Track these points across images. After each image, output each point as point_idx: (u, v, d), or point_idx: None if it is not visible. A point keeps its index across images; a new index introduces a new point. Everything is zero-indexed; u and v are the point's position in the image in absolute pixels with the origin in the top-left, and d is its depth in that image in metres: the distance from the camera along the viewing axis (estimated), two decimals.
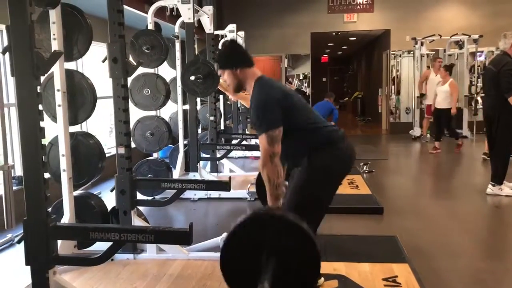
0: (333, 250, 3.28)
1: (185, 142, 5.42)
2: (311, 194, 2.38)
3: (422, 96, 9.82)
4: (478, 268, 3.21)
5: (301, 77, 17.04)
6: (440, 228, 4.09)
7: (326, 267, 2.94)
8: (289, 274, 1.94)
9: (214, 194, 5.02)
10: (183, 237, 2.11)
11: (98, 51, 5.47)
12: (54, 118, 3.08)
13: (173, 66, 5.60)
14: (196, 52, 5.70)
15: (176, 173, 5.24)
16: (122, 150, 3.17)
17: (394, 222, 4.24)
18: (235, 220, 1.99)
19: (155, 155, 5.28)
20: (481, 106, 10.28)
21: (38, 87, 2.12)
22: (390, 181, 6.20)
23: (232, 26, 7.63)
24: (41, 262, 2.17)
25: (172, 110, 5.98)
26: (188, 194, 5.00)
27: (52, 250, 2.19)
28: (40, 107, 2.13)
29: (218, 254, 3.23)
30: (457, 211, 4.61)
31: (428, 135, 9.66)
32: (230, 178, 3.31)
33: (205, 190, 4.39)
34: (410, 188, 5.97)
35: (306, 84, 16.08)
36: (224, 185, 3.24)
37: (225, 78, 2.50)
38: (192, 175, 5.13)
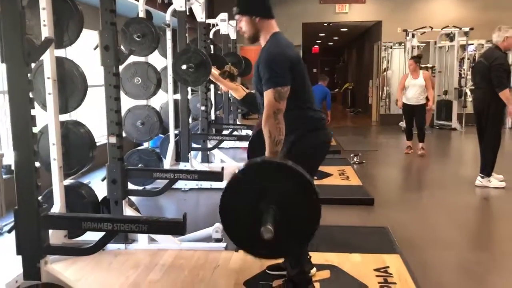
0: (325, 241, 3.28)
1: (176, 132, 5.38)
2: None
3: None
4: (467, 259, 3.24)
5: None
6: (430, 220, 4.13)
7: (318, 257, 2.96)
8: (289, 222, 1.93)
9: (205, 184, 5.01)
10: (177, 228, 2.10)
11: (89, 38, 5.38)
12: (44, 106, 3.03)
13: (164, 54, 5.54)
14: (187, 41, 5.64)
15: (167, 163, 5.20)
16: (113, 140, 3.13)
17: (384, 213, 4.27)
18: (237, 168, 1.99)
19: (145, 145, 5.24)
20: (470, 99, 10.39)
21: (29, 74, 2.07)
22: (380, 173, 6.23)
23: (223, 15, 7.57)
24: (33, 252, 2.14)
25: (162, 99, 5.93)
26: (179, 184, 4.98)
27: (44, 239, 2.16)
28: (31, 94, 2.09)
29: (210, 245, 3.29)
30: (446, 203, 4.65)
31: None
32: (223, 168, 3.30)
33: (197, 181, 4.37)
34: (400, 179, 6.02)
35: None
36: (217, 176, 3.22)
37: (241, 25, 2.39)
38: (183, 165, 5.10)
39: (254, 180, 1.97)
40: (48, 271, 2.19)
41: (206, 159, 6.03)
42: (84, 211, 3.23)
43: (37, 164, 2.14)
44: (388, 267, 2.91)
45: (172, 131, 5.36)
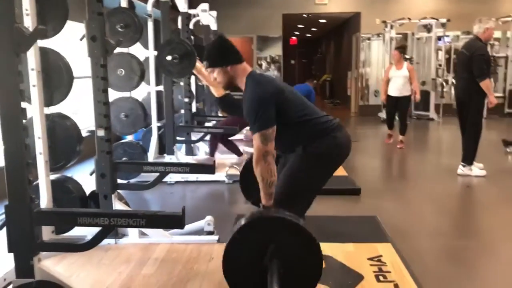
0: (317, 231, 3.21)
1: (158, 124, 5.30)
2: (306, 182, 2.38)
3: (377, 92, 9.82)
4: (455, 246, 3.30)
5: (268, 59, 17.00)
6: (415, 208, 4.19)
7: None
8: (292, 276, 1.97)
9: (192, 177, 4.96)
10: (176, 221, 2.06)
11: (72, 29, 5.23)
12: (28, 99, 2.92)
13: (145, 45, 5.44)
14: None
15: (150, 156, 5.13)
16: (101, 133, 3.05)
17: (371, 202, 4.31)
18: (235, 225, 2.05)
19: (129, 138, 5.15)
20: (446, 89, 10.58)
21: (19, 65, 1.99)
22: (364, 163, 6.29)
23: (204, 5, 7.45)
24: (25, 249, 2.07)
25: (143, 91, 5.82)
26: (174, 177, 4.92)
27: (37, 236, 2.09)
28: (22, 86, 2.01)
29: (202, 238, 3.26)
30: (430, 191, 4.73)
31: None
32: (214, 161, 3.26)
33: (189, 173, 4.31)
34: (383, 169, 6.09)
35: (275, 67, 16.04)
36: (209, 168, 3.18)
37: (215, 76, 2.44)
38: (168, 158, 5.03)
39: (254, 237, 2.01)
40: (41, 268, 2.13)
41: (190, 151, 5.97)
42: (71, 206, 3.15)
43: (44, 159, 2.06)
44: (381, 256, 2.94)
45: (154, 124, 5.27)
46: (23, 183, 2.05)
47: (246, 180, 3.17)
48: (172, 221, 2.08)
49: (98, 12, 2.92)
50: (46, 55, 2.95)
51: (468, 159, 5.11)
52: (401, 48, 7.38)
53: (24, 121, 2.03)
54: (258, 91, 2.28)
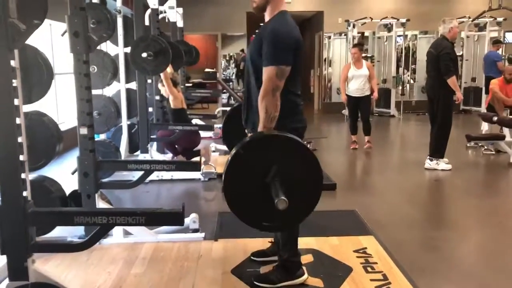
0: (301, 226, 3.32)
1: (128, 122, 5.22)
2: None
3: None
4: (432, 236, 3.44)
5: (227, 57, 17.00)
6: (390, 201, 4.33)
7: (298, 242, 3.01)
8: (294, 191, 1.99)
9: (166, 175, 4.91)
10: (176, 218, 2.05)
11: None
12: None
13: (114, 42, 5.33)
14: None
15: (122, 155, 5.03)
16: (84, 131, 2.99)
17: (347, 197, 4.43)
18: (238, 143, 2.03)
19: (102, 136, 5.04)
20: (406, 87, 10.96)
21: (12, 61, 1.93)
22: (334, 159, 6.41)
23: (172, 2, 7.39)
24: (19, 250, 2.00)
25: (112, 89, 5.70)
26: (137, 176, 4.83)
27: (31, 237, 2.03)
28: (15, 83, 1.95)
29: (188, 235, 3.25)
30: (401, 185, 4.91)
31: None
32: (200, 158, 3.25)
33: (175, 171, 4.26)
34: (354, 165, 6.24)
35: (234, 65, 16.04)
36: (195, 166, 3.17)
37: None
38: (142, 156, 4.96)
39: (256, 155, 2.01)
40: (36, 270, 2.07)
41: (161, 149, 5.90)
42: (51, 206, 3.06)
43: (22, 158, 2.00)
44: (366, 248, 3.03)
45: (125, 122, 5.18)
46: (16, 183, 1.99)
47: (229, 132, 3.17)
48: (172, 218, 2.07)
49: (80, 7, 2.85)
50: (24, 51, 2.86)
51: (438, 153, 5.30)
52: (360, 45, 7.14)
53: (17, 119, 1.97)
54: (288, 29, 2.26)
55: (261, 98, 2.21)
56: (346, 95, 6.60)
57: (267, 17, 2.35)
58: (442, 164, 5.32)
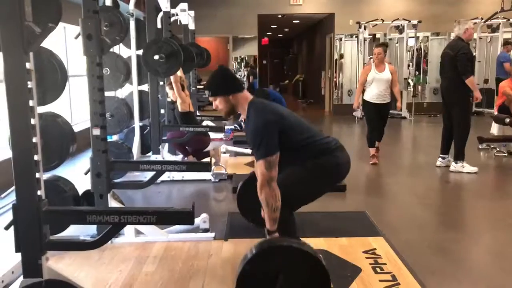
0: (311, 227, 3.38)
1: (140, 124, 5.28)
2: (302, 185, 2.51)
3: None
4: (443, 238, 3.44)
5: (238, 59, 17.05)
6: (400, 203, 4.33)
7: (308, 242, 3.03)
8: None
9: (177, 176, 4.96)
10: (186, 217, 2.08)
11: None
12: None
13: (127, 45, 5.40)
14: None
15: (134, 156, 5.09)
16: (97, 132, 3.05)
17: (357, 198, 4.43)
18: (244, 256, 2.09)
19: (114, 137, 5.10)
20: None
21: (28, 64, 1.98)
22: None
23: (184, 5, 7.44)
24: (34, 248, 2.05)
25: (125, 91, 5.78)
26: (149, 177, 4.88)
27: (44, 235, 2.08)
28: (30, 84, 2.00)
29: (198, 235, 3.28)
30: (412, 186, 4.90)
31: None
32: (211, 158, 3.29)
33: (185, 171, 4.31)
34: (365, 166, 6.20)
35: (245, 68, 16.06)
36: (205, 166, 3.21)
37: (217, 104, 2.51)
38: (154, 157, 5.01)
39: (262, 266, 2.05)
40: (50, 268, 2.12)
41: (172, 150, 5.95)
42: (65, 205, 3.12)
43: (37, 158, 2.05)
44: (375, 249, 3.04)
45: (137, 123, 5.25)
46: (31, 182, 2.04)
47: (243, 200, 3.29)
48: (182, 217, 2.11)
49: (93, 10, 2.91)
50: (39, 53, 2.92)
51: (461, 156, 5.25)
52: (385, 46, 6.53)
53: (32, 120, 2.02)
54: (261, 119, 2.36)
55: (259, 192, 2.32)
56: (364, 100, 5.74)
57: (243, 114, 2.49)
58: (468, 167, 5.24)
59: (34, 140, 2.04)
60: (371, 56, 9.61)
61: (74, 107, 7.28)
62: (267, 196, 2.30)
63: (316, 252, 2.11)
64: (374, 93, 5.64)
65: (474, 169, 5.23)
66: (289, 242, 2.13)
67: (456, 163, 5.28)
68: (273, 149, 2.32)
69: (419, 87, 11.58)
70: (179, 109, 5.40)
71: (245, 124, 2.50)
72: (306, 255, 2.06)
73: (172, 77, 5.17)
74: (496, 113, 6.41)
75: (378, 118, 5.71)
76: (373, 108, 5.70)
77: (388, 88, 5.66)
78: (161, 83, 5.79)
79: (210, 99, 2.52)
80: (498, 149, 6.31)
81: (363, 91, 5.84)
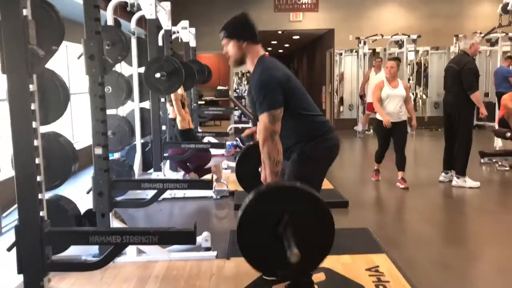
0: None
1: (142, 141, 5.30)
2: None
3: (362, 98, 10.21)
4: (446, 254, 3.42)
5: (239, 75, 17.19)
6: (403, 218, 4.33)
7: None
8: (307, 241, 2.01)
9: (179, 193, 4.95)
10: (188, 237, 2.09)
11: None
12: None
13: (129, 62, 5.44)
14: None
15: (135, 173, 5.10)
16: (99, 151, 3.05)
17: (360, 214, 4.41)
18: (248, 195, 2.05)
19: (116, 155, 5.11)
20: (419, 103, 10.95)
21: (31, 86, 2.00)
22: (347, 176, 6.41)
23: (185, 23, 7.53)
24: (36, 269, 2.06)
25: (126, 108, 5.81)
26: (151, 195, 4.89)
27: (47, 256, 2.08)
28: (33, 106, 2.02)
29: (200, 254, 3.27)
30: (415, 202, 4.88)
31: (369, 132, 10.04)
32: (212, 176, 3.29)
33: (187, 189, 4.31)
34: (367, 181, 6.19)
35: (246, 82, 16.18)
36: (207, 184, 3.22)
37: (227, 49, 2.45)
38: (155, 175, 5.02)
39: (268, 206, 2.04)
40: None
41: (174, 167, 5.95)
42: (67, 225, 3.11)
43: (39, 178, 2.06)
44: (378, 266, 3.02)
45: (138, 140, 5.26)
46: (33, 203, 2.05)
47: (242, 170, 3.23)
48: (184, 237, 2.11)
49: (96, 31, 2.94)
50: (42, 74, 2.94)
51: (462, 171, 5.25)
52: (398, 60, 6.18)
53: (35, 141, 2.04)
54: (268, 74, 2.34)
55: (261, 146, 2.30)
56: (378, 120, 5.41)
57: (250, 67, 2.46)
58: (470, 182, 5.23)
59: (37, 161, 2.05)
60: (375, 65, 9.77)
61: (75, 124, 7.31)
62: (269, 150, 2.27)
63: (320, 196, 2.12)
64: (390, 111, 5.24)
65: (477, 184, 5.22)
66: (295, 183, 2.14)
67: (458, 178, 5.26)
68: (278, 103, 2.30)
69: (420, 101, 11.63)
70: (179, 127, 5.43)
71: (250, 79, 2.45)
72: (311, 196, 2.06)
73: (172, 95, 5.21)
74: (496, 126, 6.42)
75: (389, 136, 5.37)
76: (383, 126, 5.26)
77: (403, 105, 5.30)
78: (162, 100, 5.84)
79: (223, 42, 2.46)
80: (500, 163, 6.30)
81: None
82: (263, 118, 2.29)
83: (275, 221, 2.01)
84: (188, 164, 5.39)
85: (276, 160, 2.29)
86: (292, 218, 2.00)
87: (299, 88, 2.48)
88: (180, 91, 5.37)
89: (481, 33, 10.29)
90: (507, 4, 6.86)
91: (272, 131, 2.27)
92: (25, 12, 1.96)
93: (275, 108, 2.29)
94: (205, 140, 6.87)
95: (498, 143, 6.59)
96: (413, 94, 11.07)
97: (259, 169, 2.55)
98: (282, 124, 2.35)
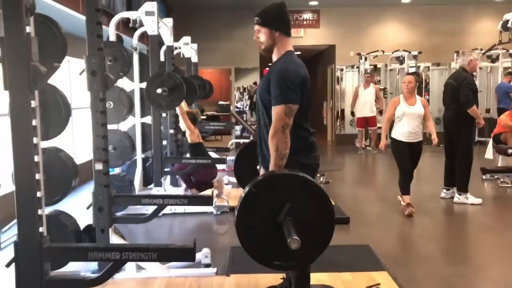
0: None
1: (142, 156, 5.31)
2: None
3: (353, 114, 10.24)
4: (448, 273, 3.39)
5: (240, 89, 17.25)
6: (404, 235, 4.30)
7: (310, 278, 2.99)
8: (307, 230, 2.01)
9: (179, 209, 4.94)
10: (187, 254, 2.07)
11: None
12: None
13: (130, 77, 5.48)
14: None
15: (136, 189, 5.09)
16: (100, 166, 3.05)
17: (361, 231, 4.39)
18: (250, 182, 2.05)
19: (116, 170, 5.11)
20: None
21: (33, 102, 2.01)
22: (348, 191, 6.39)
23: (187, 38, 7.59)
24: (34, 286, 2.04)
25: (127, 123, 5.83)
26: (151, 210, 4.87)
27: (46, 272, 2.07)
28: (34, 122, 2.03)
29: (200, 270, 3.25)
30: (416, 218, 4.83)
31: (370, 147, 10.03)
32: (213, 192, 3.29)
33: (187, 205, 4.30)
34: (369, 197, 6.18)
35: (247, 97, 16.23)
36: (207, 200, 3.21)
37: (259, 36, 2.43)
38: (156, 190, 5.01)
39: (268, 194, 2.04)
40: None
41: (175, 182, 5.95)
42: (66, 241, 3.10)
43: (39, 194, 2.06)
44: (379, 284, 2.99)
45: (139, 155, 5.27)
46: (33, 219, 2.04)
47: (240, 167, 3.26)
48: (183, 254, 2.10)
49: (98, 48, 2.97)
50: (44, 90, 2.96)
51: (463, 187, 5.23)
52: (417, 75, 5.78)
53: (36, 157, 2.04)
54: (295, 68, 2.34)
55: (271, 136, 2.27)
56: (394, 139, 4.88)
57: (274, 58, 2.45)
58: (472, 198, 5.21)
59: (37, 176, 2.05)
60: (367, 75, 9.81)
61: (76, 138, 7.33)
62: (279, 142, 2.25)
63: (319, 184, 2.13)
64: (406, 130, 4.78)
65: (478, 200, 5.19)
66: (297, 173, 2.12)
67: (460, 194, 5.24)
68: (296, 99, 2.28)
69: None
70: (189, 141, 5.53)
71: (270, 69, 2.41)
72: (311, 186, 2.06)
73: (178, 110, 5.28)
74: (491, 141, 6.43)
75: (409, 155, 4.84)
76: (404, 147, 4.82)
77: (420, 124, 4.85)
78: (163, 114, 5.86)
79: (256, 27, 2.42)
80: (502, 179, 6.28)
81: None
82: (279, 109, 2.26)
83: (275, 210, 2.00)
84: (191, 177, 5.42)
85: (283, 153, 2.26)
86: (292, 207, 2.00)
87: (309, 96, 2.46)
88: (183, 104, 5.41)
89: (481, 49, 10.38)
90: (507, 21, 6.92)
91: (285, 124, 2.25)
92: (28, 29, 1.97)
93: (294, 102, 2.28)
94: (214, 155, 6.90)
95: (499, 159, 6.57)
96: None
97: (258, 166, 2.54)
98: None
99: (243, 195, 2.05)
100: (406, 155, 4.84)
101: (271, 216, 2.00)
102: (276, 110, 2.27)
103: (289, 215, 1.99)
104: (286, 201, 2.01)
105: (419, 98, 4.94)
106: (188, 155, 6.21)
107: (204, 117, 11.39)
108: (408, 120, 4.78)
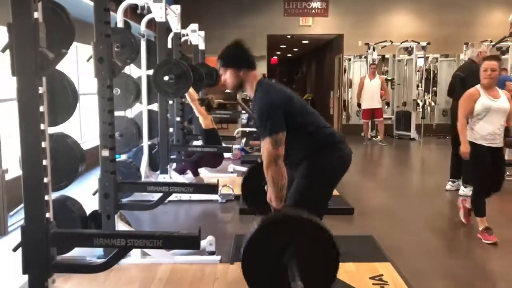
0: None
1: (149, 143, 5.32)
2: (312, 196, 2.46)
3: (359, 105, 10.14)
4: (452, 265, 3.40)
5: None
6: (408, 227, 4.30)
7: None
8: (312, 270, 2.00)
9: (185, 196, 4.96)
10: (192, 242, 2.09)
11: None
12: None
13: (138, 64, 5.47)
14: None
15: (142, 176, 5.11)
16: (106, 153, 3.07)
17: (365, 222, 4.40)
18: (253, 225, 2.02)
19: (123, 156, 5.14)
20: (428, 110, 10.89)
21: (40, 88, 2.02)
22: (353, 182, 6.36)
23: (194, 26, 7.56)
24: (41, 270, 2.07)
25: (134, 110, 5.84)
26: (156, 196, 4.90)
27: (52, 257, 2.09)
28: (42, 108, 2.04)
29: (204, 258, 3.27)
30: (421, 210, 4.85)
31: (379, 137, 9.99)
32: (218, 180, 3.30)
33: (192, 193, 4.32)
34: (374, 188, 6.18)
35: None
36: (212, 188, 3.22)
37: (225, 77, 2.49)
38: (161, 177, 5.04)
39: (274, 237, 2.03)
40: None
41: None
42: (73, 226, 3.13)
43: (46, 179, 2.07)
44: (382, 275, 3.01)
45: (145, 142, 5.28)
46: (40, 204, 2.06)
47: (248, 189, 3.23)
48: (188, 241, 2.11)
49: (105, 34, 2.96)
50: (51, 76, 2.97)
51: (469, 179, 5.19)
52: (498, 59, 4.19)
53: (43, 142, 2.05)
54: (268, 98, 2.36)
55: (266, 170, 2.31)
56: (472, 143, 3.87)
57: (250, 92, 2.49)
58: None
59: (44, 162, 2.07)
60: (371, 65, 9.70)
61: (84, 124, 7.36)
62: (273, 174, 2.28)
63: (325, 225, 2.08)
64: (489, 131, 3.80)
65: None
66: (300, 213, 2.11)
67: (465, 187, 5.23)
68: (279, 127, 2.30)
69: (429, 108, 11.58)
70: (203, 126, 5.56)
71: (252, 104, 2.47)
72: (316, 227, 2.04)
73: (188, 96, 5.29)
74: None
75: (490, 164, 3.80)
76: (487, 154, 3.81)
77: (504, 124, 3.86)
78: (170, 102, 5.87)
79: (221, 71, 2.49)
80: (508, 172, 6.24)
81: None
82: (265, 143, 2.30)
83: (280, 252, 2.00)
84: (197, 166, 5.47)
85: (280, 185, 2.30)
86: (297, 248, 1.99)
87: (302, 106, 2.50)
88: (191, 90, 5.42)
89: (491, 41, 10.26)
90: None
91: (275, 156, 2.28)
92: (36, 15, 1.97)
93: (277, 132, 2.30)
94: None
95: (506, 152, 6.53)
96: (421, 101, 11.04)
97: (265, 187, 2.54)
98: (290, 140, 2.35)
99: (247, 240, 2.02)
100: (487, 165, 3.79)
101: (277, 257, 2.00)
102: (264, 145, 2.31)
103: (293, 257, 1.99)
104: (290, 242, 2.00)
105: (500, 90, 3.95)
106: (195, 143, 6.25)
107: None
108: (492, 118, 3.79)
